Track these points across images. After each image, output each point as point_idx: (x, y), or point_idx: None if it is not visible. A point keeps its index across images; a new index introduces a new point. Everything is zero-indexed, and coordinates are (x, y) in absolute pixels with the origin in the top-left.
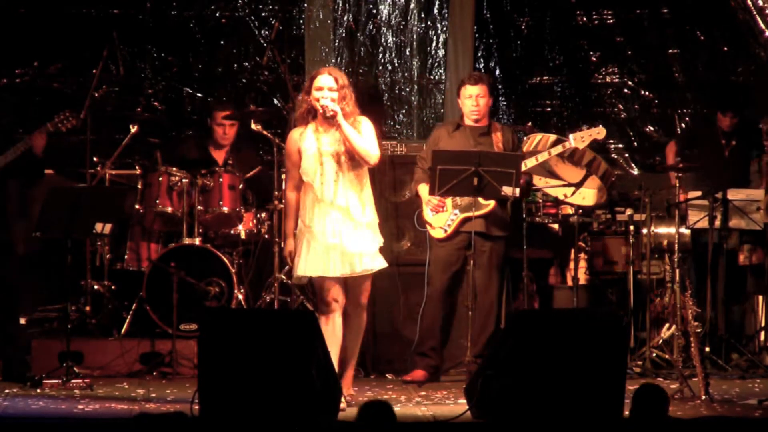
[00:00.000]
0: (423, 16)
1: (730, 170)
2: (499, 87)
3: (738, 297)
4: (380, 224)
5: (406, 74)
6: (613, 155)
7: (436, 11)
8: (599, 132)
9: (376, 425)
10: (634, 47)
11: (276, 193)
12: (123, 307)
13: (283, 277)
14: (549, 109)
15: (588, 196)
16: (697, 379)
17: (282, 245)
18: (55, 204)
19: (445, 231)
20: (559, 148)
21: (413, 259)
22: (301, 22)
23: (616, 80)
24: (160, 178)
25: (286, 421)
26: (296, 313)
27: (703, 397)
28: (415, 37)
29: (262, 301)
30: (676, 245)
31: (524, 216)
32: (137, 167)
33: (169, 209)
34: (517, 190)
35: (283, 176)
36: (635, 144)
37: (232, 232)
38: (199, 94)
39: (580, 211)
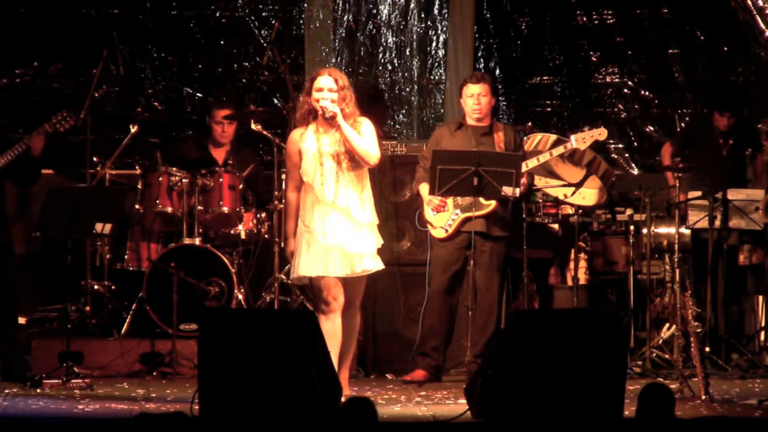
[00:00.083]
0: (423, 16)
1: (728, 170)
2: (499, 87)
3: (738, 297)
4: (380, 224)
5: (406, 74)
6: (613, 155)
7: (436, 11)
8: (601, 133)
9: (358, 422)
10: (634, 47)
11: (276, 193)
12: (123, 307)
13: (283, 277)
14: (549, 109)
15: (588, 196)
16: (697, 379)
17: (282, 245)
18: (55, 204)
19: (446, 231)
20: (560, 149)
21: (413, 259)
22: (301, 22)
23: (616, 80)
24: (160, 178)
25: (286, 421)
26: (296, 313)
27: (703, 397)
28: (415, 37)
29: (262, 301)
30: (676, 245)
31: (524, 216)
32: (137, 167)
33: (169, 209)
34: (518, 190)
35: (283, 176)
36: (635, 144)
37: (232, 232)
38: (199, 94)
39: (580, 211)
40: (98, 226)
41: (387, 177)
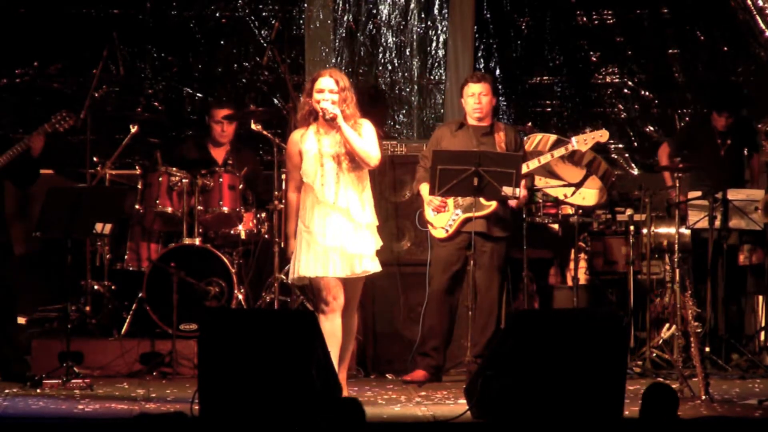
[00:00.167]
0: (423, 16)
1: (726, 170)
2: (499, 87)
3: (738, 297)
4: (380, 224)
5: (406, 74)
6: (613, 155)
7: (436, 11)
8: (602, 135)
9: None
10: (634, 47)
11: (276, 193)
12: (123, 307)
13: (283, 277)
14: (549, 109)
15: (588, 196)
16: (697, 379)
17: (282, 245)
18: (55, 204)
19: (447, 231)
20: (561, 151)
21: (413, 259)
22: (301, 22)
23: (616, 80)
24: (160, 178)
25: (286, 421)
26: (296, 313)
27: (703, 397)
28: (415, 37)
29: (262, 301)
30: (676, 245)
31: (524, 216)
32: (137, 167)
33: (169, 209)
34: (518, 190)
35: (283, 176)
36: (635, 144)
37: (232, 232)
38: (199, 94)
39: (580, 211)
40: (98, 226)
41: (387, 177)
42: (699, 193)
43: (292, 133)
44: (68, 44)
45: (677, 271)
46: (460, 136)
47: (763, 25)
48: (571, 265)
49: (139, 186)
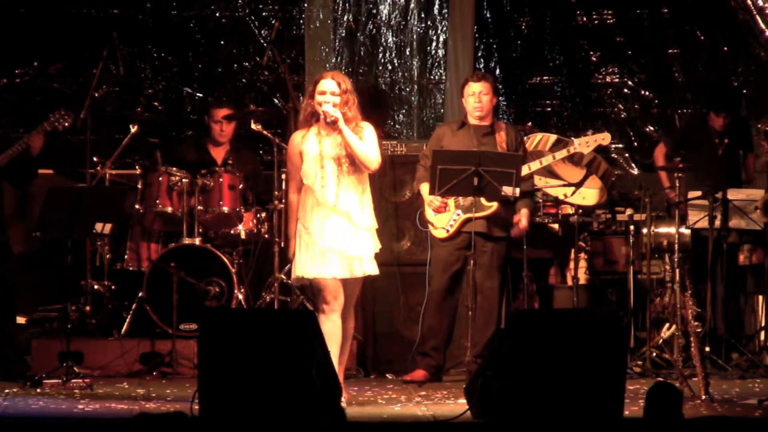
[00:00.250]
0: (423, 16)
1: (724, 169)
2: (499, 87)
3: (738, 297)
4: (380, 224)
5: (406, 74)
6: (613, 155)
7: (436, 11)
8: (605, 137)
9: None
10: (634, 47)
11: (276, 193)
12: (123, 307)
13: (283, 277)
14: (549, 109)
15: (589, 195)
16: (697, 379)
17: (282, 245)
18: (55, 204)
19: (447, 231)
20: (563, 152)
21: (413, 259)
22: (301, 22)
23: (616, 80)
24: (160, 178)
25: (286, 421)
26: (296, 313)
27: (703, 397)
28: (415, 37)
29: (262, 301)
30: (676, 245)
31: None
32: (137, 167)
33: (169, 209)
34: (518, 190)
35: (284, 176)
36: (635, 144)
37: (232, 232)
38: (199, 94)
39: (580, 211)
40: (98, 226)
41: (387, 177)
42: (699, 193)
43: (293, 134)
44: (68, 44)
45: (677, 271)
46: (461, 136)
47: (763, 25)
48: (571, 265)
49: (139, 186)
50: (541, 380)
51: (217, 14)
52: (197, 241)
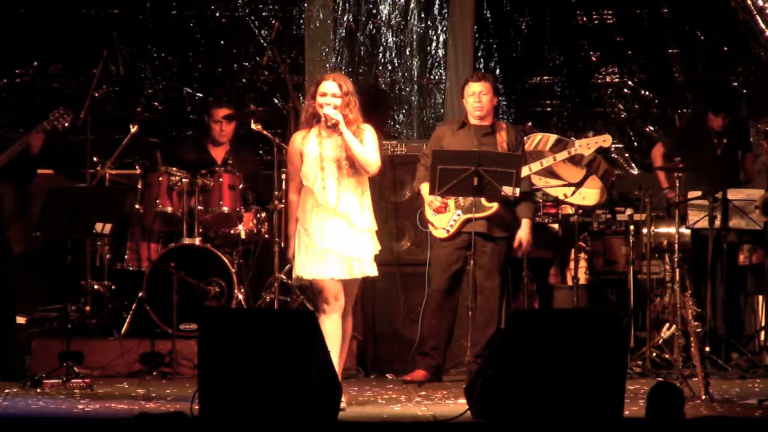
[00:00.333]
0: (423, 16)
1: (722, 169)
2: (500, 87)
3: (738, 297)
4: (380, 224)
5: (406, 74)
6: (613, 155)
7: (436, 11)
8: (605, 140)
9: None
10: (634, 47)
11: (276, 193)
12: (123, 307)
13: (283, 277)
14: (549, 109)
15: (589, 195)
16: (697, 379)
17: (282, 245)
18: (55, 204)
19: (448, 231)
20: (564, 154)
21: (413, 259)
22: (301, 22)
23: (616, 80)
24: (160, 178)
25: (286, 421)
26: (296, 313)
27: (703, 397)
28: (415, 37)
29: (262, 301)
30: (676, 245)
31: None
32: (137, 167)
33: (169, 209)
34: (518, 190)
35: (284, 176)
36: (635, 144)
37: (232, 232)
38: (199, 94)
39: (580, 211)
40: (98, 226)
41: (387, 177)
42: (699, 193)
43: (294, 134)
44: (68, 44)
45: (677, 271)
46: (461, 136)
47: (763, 25)
48: (571, 264)
49: (139, 186)
50: (541, 380)
51: (217, 14)
52: (197, 241)
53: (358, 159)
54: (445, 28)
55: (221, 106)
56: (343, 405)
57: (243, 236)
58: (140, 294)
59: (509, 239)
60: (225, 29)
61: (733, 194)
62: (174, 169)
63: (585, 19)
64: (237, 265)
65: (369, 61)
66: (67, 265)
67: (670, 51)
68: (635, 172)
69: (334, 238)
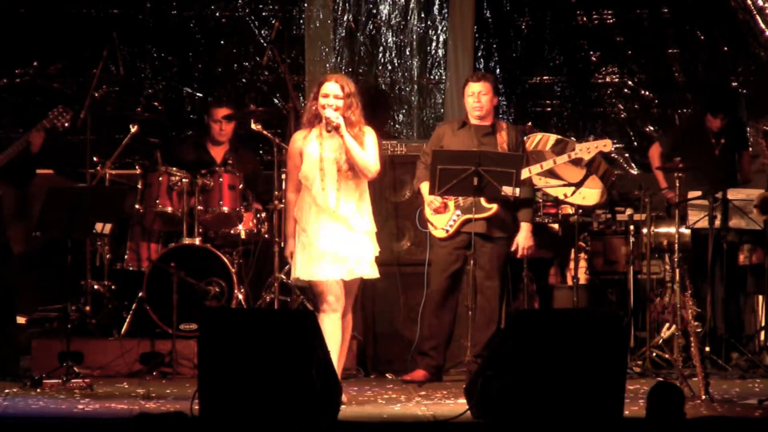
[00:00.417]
0: (423, 16)
1: (721, 169)
2: (500, 87)
3: (738, 297)
4: (380, 224)
5: (406, 74)
6: (613, 155)
7: (436, 11)
8: (605, 144)
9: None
10: (634, 47)
11: (276, 193)
12: (123, 307)
13: (283, 277)
14: (549, 109)
15: (589, 195)
16: (697, 379)
17: (282, 245)
18: (55, 204)
19: (447, 231)
20: (564, 158)
21: (413, 259)
22: (301, 22)
23: (616, 80)
24: (160, 178)
25: (286, 421)
26: (296, 313)
27: (703, 397)
28: (415, 37)
29: (262, 301)
30: (676, 245)
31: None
32: (137, 167)
33: (169, 209)
34: (518, 190)
35: (283, 176)
36: (635, 144)
37: (232, 232)
38: (199, 94)
39: (580, 211)
40: (98, 226)
41: (387, 177)
42: (699, 193)
43: (295, 133)
44: (68, 44)
45: (677, 271)
46: (462, 135)
47: (763, 25)
48: (571, 264)
49: (139, 186)
50: (541, 380)
51: (217, 14)
52: (197, 241)
53: (358, 163)
54: (445, 28)
55: (221, 105)
56: (343, 405)
57: (243, 236)
58: (140, 294)
59: (508, 239)
60: (225, 29)
61: (733, 194)
62: (174, 169)
63: (585, 19)
64: (237, 265)
65: (369, 61)
66: (67, 265)
67: (670, 51)
68: (635, 172)
69: (333, 239)
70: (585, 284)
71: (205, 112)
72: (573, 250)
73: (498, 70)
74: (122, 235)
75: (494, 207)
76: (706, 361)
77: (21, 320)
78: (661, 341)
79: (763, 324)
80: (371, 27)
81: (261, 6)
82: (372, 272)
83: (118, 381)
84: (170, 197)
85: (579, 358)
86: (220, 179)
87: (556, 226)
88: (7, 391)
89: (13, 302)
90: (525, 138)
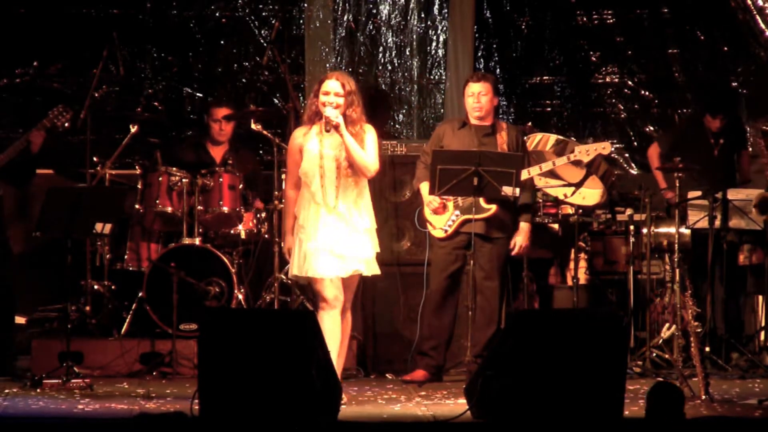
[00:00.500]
0: (423, 16)
1: (720, 170)
2: (500, 87)
3: (738, 297)
4: (380, 224)
5: (406, 74)
6: (613, 155)
7: (436, 11)
8: (605, 147)
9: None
10: (634, 47)
11: (276, 193)
12: (123, 307)
13: (283, 277)
14: (549, 109)
15: (589, 195)
16: (697, 379)
17: (282, 244)
18: (55, 204)
19: (446, 231)
20: (563, 160)
21: (413, 259)
22: (301, 22)
23: (616, 80)
24: (160, 178)
25: (286, 421)
26: (296, 313)
27: (703, 397)
28: (415, 37)
29: (262, 301)
30: (676, 245)
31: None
32: (137, 167)
33: (169, 209)
34: (518, 190)
35: (283, 176)
36: (635, 144)
37: (232, 232)
38: (199, 94)
39: (580, 211)
40: (98, 226)
41: (387, 177)
42: (699, 193)
43: (296, 129)
44: (68, 44)
45: (677, 271)
46: (462, 135)
47: (763, 25)
48: (571, 265)
49: (139, 186)
50: (541, 380)
51: (217, 14)
52: (197, 241)
53: (357, 162)
54: (445, 28)
55: (221, 105)
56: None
57: (243, 236)
58: (140, 294)
59: (508, 239)
60: (225, 29)
61: (733, 194)
62: (174, 169)
63: (585, 19)
64: (237, 265)
65: (369, 61)
66: (67, 265)
67: (670, 51)
68: (635, 172)
69: (332, 237)
70: (585, 284)
71: (205, 112)
72: (573, 250)
73: (498, 70)
74: (122, 235)
75: (493, 207)
76: (706, 361)
77: (21, 320)
78: (661, 341)
79: (763, 324)
80: (371, 27)
81: (261, 6)
82: (371, 269)
83: (118, 381)
84: (170, 197)
85: (579, 359)
86: (220, 179)
87: (556, 226)
88: (7, 391)
89: (13, 302)
90: (525, 138)
